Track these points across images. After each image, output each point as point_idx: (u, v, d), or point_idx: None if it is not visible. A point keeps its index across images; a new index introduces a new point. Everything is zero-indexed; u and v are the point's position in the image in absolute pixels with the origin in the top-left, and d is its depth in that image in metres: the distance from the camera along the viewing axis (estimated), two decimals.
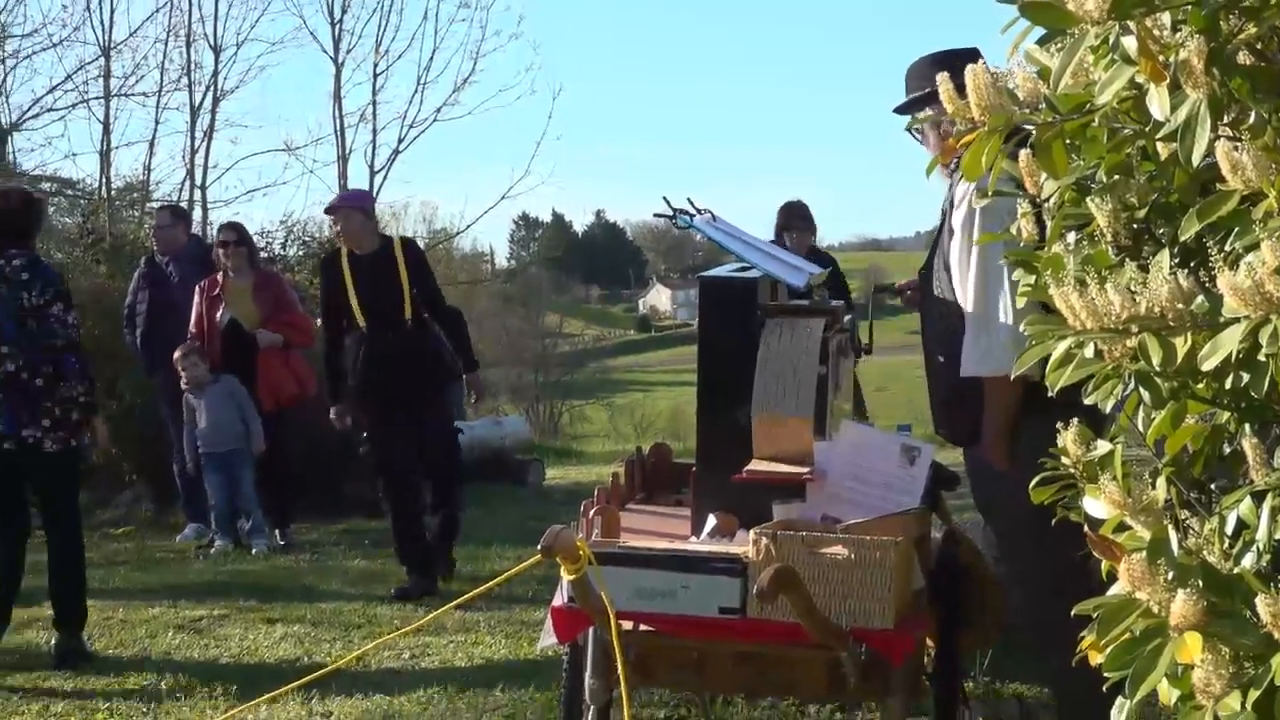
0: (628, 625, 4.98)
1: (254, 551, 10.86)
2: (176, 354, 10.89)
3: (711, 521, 5.63)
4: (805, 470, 5.45)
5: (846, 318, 8.36)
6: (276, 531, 11.22)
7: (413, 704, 6.64)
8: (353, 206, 9.25)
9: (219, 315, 11.01)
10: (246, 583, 9.70)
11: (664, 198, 6.23)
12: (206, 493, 11.41)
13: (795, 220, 10.43)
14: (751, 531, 5.08)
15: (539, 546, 4.82)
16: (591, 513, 5.76)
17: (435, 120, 26.02)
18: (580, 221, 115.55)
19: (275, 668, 7.31)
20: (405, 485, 9.00)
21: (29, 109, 22.65)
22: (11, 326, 7.36)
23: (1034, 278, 2.85)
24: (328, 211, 9.47)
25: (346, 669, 6.66)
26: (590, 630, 5.22)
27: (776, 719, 6.17)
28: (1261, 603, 2.22)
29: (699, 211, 6.28)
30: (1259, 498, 2.43)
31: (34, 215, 8.07)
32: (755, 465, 5.54)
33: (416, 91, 26.78)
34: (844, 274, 10.96)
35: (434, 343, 8.96)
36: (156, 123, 23.62)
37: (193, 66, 23.48)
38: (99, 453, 10.65)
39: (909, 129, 5.32)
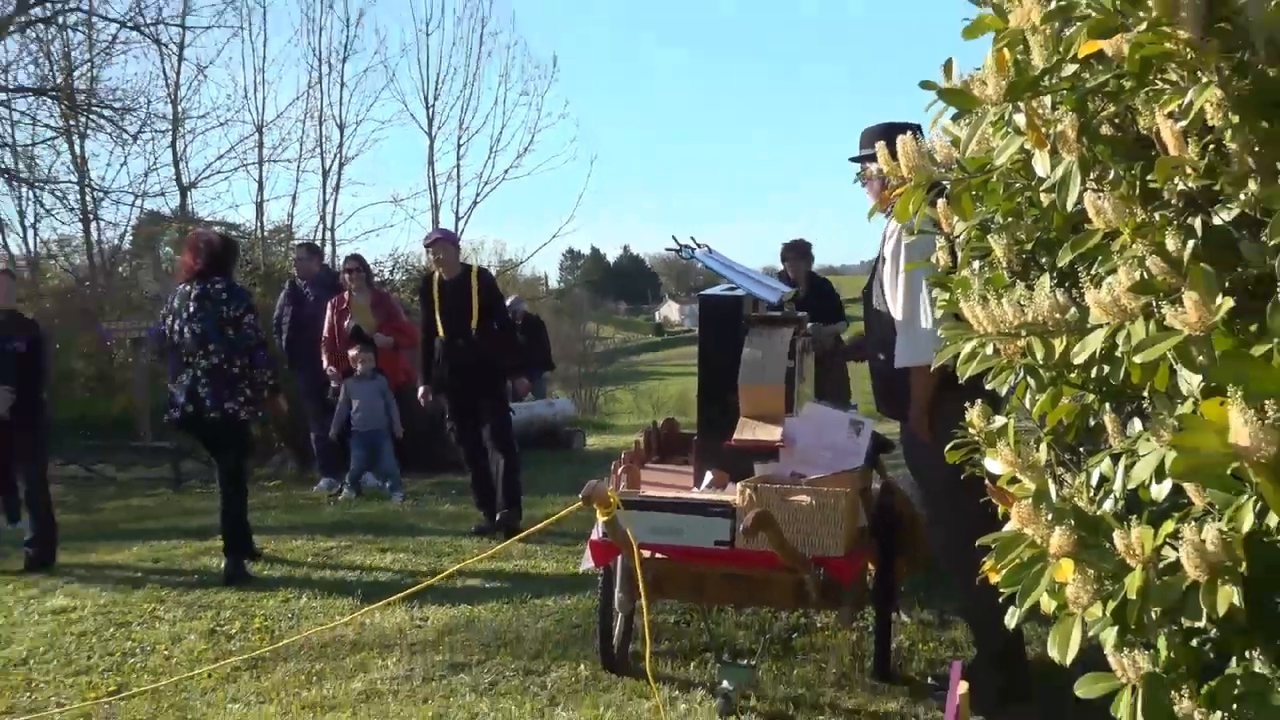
0: (646, 554, 4.99)
1: (395, 500, 10.85)
2: (353, 351, 11.03)
3: (708, 477, 5.65)
4: (778, 438, 5.46)
5: (840, 325, 8.31)
6: (388, 483, 11.24)
7: (487, 611, 6.65)
8: (446, 240, 9.25)
9: (346, 324, 11.06)
10: (365, 522, 9.73)
11: (673, 236, 6.26)
12: (336, 456, 11.56)
13: (789, 254, 10.37)
14: (738, 484, 5.11)
15: (580, 496, 4.81)
16: (619, 470, 5.78)
17: (504, 179, 26.09)
18: (611, 253, 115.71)
19: (386, 584, 7.33)
20: (478, 455, 8.97)
21: (203, 172, 22.77)
22: (215, 333, 7.84)
23: (948, 294, 2.84)
24: (426, 244, 9.41)
25: (438, 585, 6.64)
26: (618, 557, 5.24)
27: (756, 624, 6.15)
28: (1117, 537, 2.22)
29: (699, 245, 6.29)
30: (1116, 459, 2.43)
31: (232, 253, 8.49)
32: (740, 434, 5.55)
33: (489, 158, 26.80)
34: (831, 287, 10.81)
35: (494, 355, 8.86)
36: (297, 181, 23.69)
37: (324, 139, 23.52)
38: (256, 426, 10.68)
39: (856, 179, 5.29)
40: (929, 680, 5.34)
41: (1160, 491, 2.29)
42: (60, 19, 19.92)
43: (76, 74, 20.39)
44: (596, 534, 5.20)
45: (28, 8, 19.30)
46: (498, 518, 8.81)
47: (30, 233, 21.40)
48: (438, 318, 8.83)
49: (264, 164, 23.00)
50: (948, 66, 2.56)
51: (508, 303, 11.73)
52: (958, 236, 2.83)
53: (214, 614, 6.90)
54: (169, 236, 21.88)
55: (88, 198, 20.89)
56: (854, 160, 5.25)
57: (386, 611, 6.58)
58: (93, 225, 21.20)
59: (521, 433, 10.95)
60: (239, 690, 5.54)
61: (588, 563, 5.49)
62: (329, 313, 11.22)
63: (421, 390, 9.22)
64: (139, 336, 15.31)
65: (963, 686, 2.93)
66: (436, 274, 8.95)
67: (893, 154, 2.66)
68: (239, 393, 7.89)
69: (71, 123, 20.38)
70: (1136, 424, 2.43)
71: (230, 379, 7.87)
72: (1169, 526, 2.20)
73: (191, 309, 7.91)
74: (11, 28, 19.34)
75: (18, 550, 8.42)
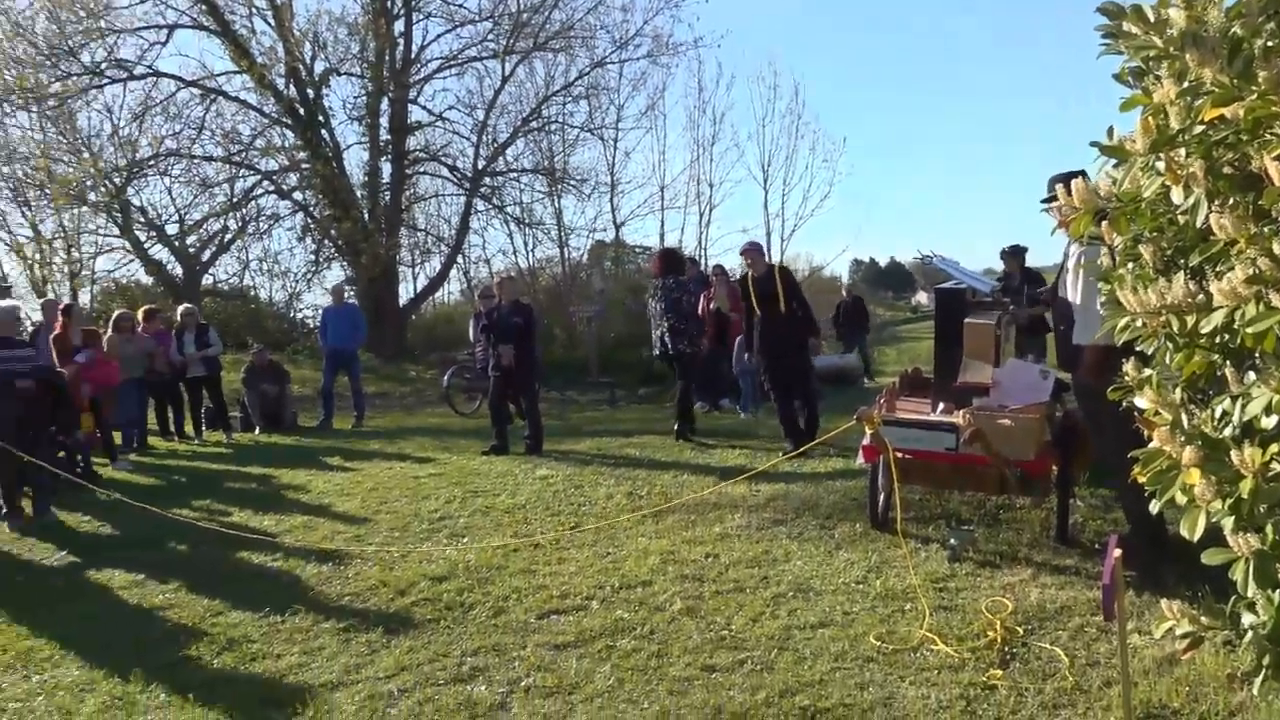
0: (898, 454, 4.84)
1: (746, 415, 10.66)
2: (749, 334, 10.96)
3: (941, 405, 5.41)
4: (989, 381, 5.20)
5: (1039, 308, 7.64)
6: (743, 403, 11.16)
7: (797, 487, 6.59)
8: (753, 249, 8.58)
9: (711, 306, 11.13)
10: (725, 429, 9.78)
11: (918, 249, 6.11)
12: (704, 388, 11.37)
13: (1005, 257, 9.84)
14: (961, 411, 4.88)
15: (855, 416, 4.71)
16: (882, 400, 5.62)
17: (812, 215, 26.03)
18: (882, 260, 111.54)
19: (736, 468, 7.34)
20: (784, 393, 8.32)
21: (628, 216, 23.91)
22: (672, 310, 8.83)
23: (1110, 286, 2.63)
24: (741, 252, 8.84)
25: (768, 470, 6.65)
26: (880, 457, 5.11)
27: (974, 502, 5.86)
28: (1234, 454, 2.04)
29: (935, 255, 6.05)
30: (1235, 399, 2.20)
31: (671, 258, 9.52)
32: (963, 377, 5.32)
33: (803, 202, 26.83)
34: (1043, 280, 9.98)
35: (797, 325, 8.19)
36: (684, 219, 25.14)
37: (700, 194, 23.85)
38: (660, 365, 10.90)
39: (1043, 210, 4.92)
40: (1095, 545, 4.95)
41: (1269, 423, 2.10)
42: (547, 128, 21.28)
43: (556, 159, 21.61)
44: (866, 441, 5.10)
45: (528, 123, 20.73)
46: (803, 429, 8.59)
47: (530, 254, 22.77)
48: (753, 300, 8.25)
49: (664, 210, 23.56)
50: (1109, 132, 2.38)
51: (843, 292, 11.41)
52: (1116, 246, 2.61)
53: (631, 482, 7.15)
54: (609, 256, 22.83)
55: (562, 233, 22.11)
56: (1043, 201, 4.91)
57: (735, 485, 6.64)
58: (565, 249, 22.38)
59: (824, 375, 10.69)
60: (644, 529, 5.76)
61: (860, 459, 5.38)
62: (702, 300, 11.25)
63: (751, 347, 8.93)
64: (590, 315, 16.07)
65: (1117, 551, 2.71)
66: (749, 273, 8.49)
67: (1068, 192, 2.50)
68: (684, 339, 8.84)
69: (553, 188, 21.63)
70: (1251, 375, 2.21)
71: (679, 332, 8.83)
72: (1274, 448, 2.04)
73: (659, 294, 8.94)
74: (519, 135, 20.80)
75: (520, 441, 8.96)
